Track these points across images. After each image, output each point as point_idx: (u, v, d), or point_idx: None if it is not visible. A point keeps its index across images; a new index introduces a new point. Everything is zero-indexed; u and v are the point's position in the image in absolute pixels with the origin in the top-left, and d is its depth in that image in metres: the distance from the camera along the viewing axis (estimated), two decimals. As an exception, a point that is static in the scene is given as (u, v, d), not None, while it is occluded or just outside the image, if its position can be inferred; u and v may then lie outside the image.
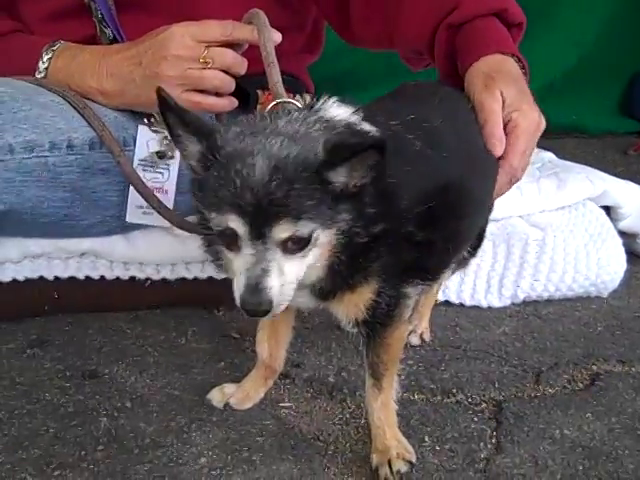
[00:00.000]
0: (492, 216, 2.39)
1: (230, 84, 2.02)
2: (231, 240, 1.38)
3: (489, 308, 2.38)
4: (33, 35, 2.21)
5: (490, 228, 2.38)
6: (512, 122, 1.81)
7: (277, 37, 1.89)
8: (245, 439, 1.72)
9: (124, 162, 2.03)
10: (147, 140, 2.12)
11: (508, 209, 2.44)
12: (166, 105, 1.43)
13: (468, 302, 2.38)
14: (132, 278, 2.22)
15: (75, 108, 2.02)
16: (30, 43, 2.15)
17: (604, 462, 1.67)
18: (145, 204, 2.07)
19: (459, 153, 1.65)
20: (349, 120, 1.47)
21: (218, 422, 1.77)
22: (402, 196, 1.50)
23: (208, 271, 2.25)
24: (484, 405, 1.88)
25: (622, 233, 2.60)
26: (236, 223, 1.35)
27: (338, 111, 1.50)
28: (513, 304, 2.40)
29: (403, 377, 1.96)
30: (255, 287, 1.36)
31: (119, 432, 1.71)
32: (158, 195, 2.07)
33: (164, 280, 2.24)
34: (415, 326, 2.15)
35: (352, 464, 1.66)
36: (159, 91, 1.43)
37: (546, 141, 4.24)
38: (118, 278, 2.21)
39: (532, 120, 1.84)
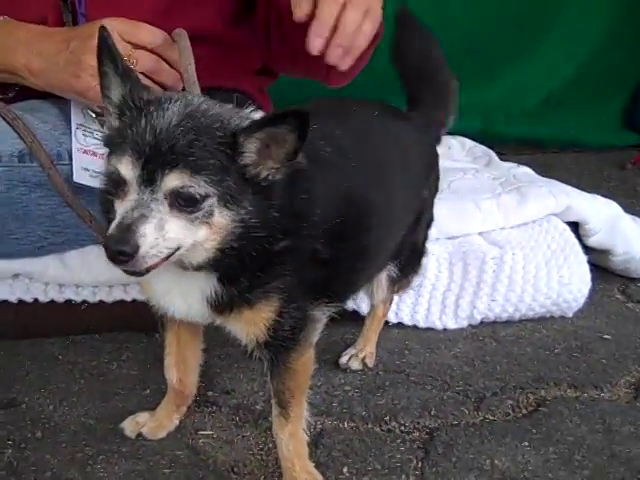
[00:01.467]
0: (448, 233, 2.33)
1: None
2: (119, 185, 1.30)
3: (444, 330, 2.28)
4: None
5: (446, 246, 2.30)
6: None
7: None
8: (152, 471, 1.63)
9: (54, 175, 1.96)
10: (83, 106, 2.06)
11: (465, 226, 2.35)
12: (104, 42, 1.39)
13: (422, 324, 2.28)
14: (68, 301, 2.15)
15: (4, 119, 1.97)
16: None
17: (531, 496, 1.56)
18: (91, 167, 2.01)
19: (366, 165, 1.56)
20: None
21: (127, 453, 1.68)
22: (312, 210, 1.42)
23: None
24: (416, 434, 1.78)
25: (591, 249, 2.49)
26: (127, 163, 1.28)
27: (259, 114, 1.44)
28: (470, 326, 2.29)
29: (335, 404, 1.86)
30: (126, 227, 1.26)
31: (21, 465, 1.64)
32: (102, 160, 2.01)
33: (101, 303, 2.16)
34: (359, 350, 2.05)
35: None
36: (101, 28, 1.40)
37: (542, 156, 4.21)
38: (53, 301, 2.14)
39: None
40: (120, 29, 1.89)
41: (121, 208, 1.29)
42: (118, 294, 2.17)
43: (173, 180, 1.27)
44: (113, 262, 1.28)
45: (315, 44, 1.72)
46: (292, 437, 1.55)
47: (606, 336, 2.23)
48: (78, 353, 2.09)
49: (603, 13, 4.35)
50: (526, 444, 1.72)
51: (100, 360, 2.06)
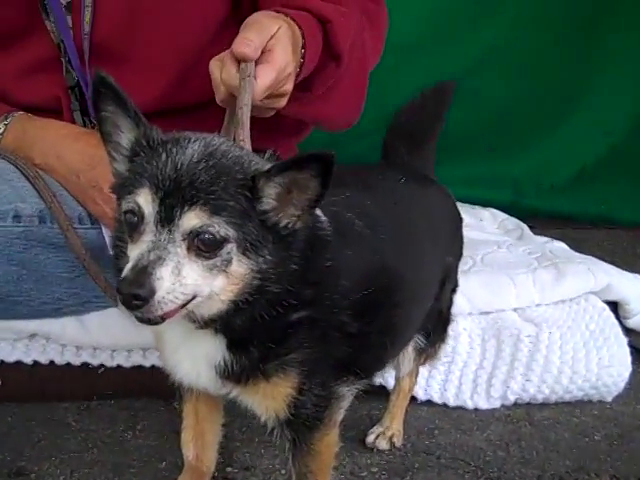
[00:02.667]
0: (481, 308, 2.24)
1: None
2: (135, 225, 1.21)
3: (475, 410, 2.17)
4: None
5: (479, 321, 2.21)
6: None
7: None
8: None
9: (72, 237, 1.90)
10: None
11: (499, 301, 2.26)
12: (105, 84, 1.27)
13: (452, 402, 2.17)
14: (84, 364, 2.07)
15: (26, 177, 1.92)
16: None
17: None
18: None
19: (396, 236, 1.49)
20: None
21: (140, 532, 1.58)
22: (337, 280, 1.34)
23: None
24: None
25: (631, 331, 2.39)
26: (146, 195, 1.20)
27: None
28: (503, 406, 2.18)
29: (362, 486, 1.75)
30: (142, 270, 1.16)
31: (26, 541, 1.53)
32: None
33: (119, 367, 2.08)
34: (386, 428, 1.95)
35: None
36: (98, 71, 1.29)
37: (573, 232, 4.12)
38: (69, 364, 2.06)
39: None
40: None
41: (136, 250, 1.20)
42: (137, 359, 2.09)
43: (193, 219, 1.19)
44: (127, 307, 1.17)
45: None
46: None
47: (647, 424, 2.11)
48: (92, 420, 2.00)
49: (638, 87, 4.30)
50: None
51: (115, 428, 1.97)
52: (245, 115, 1.45)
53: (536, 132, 4.19)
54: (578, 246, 3.37)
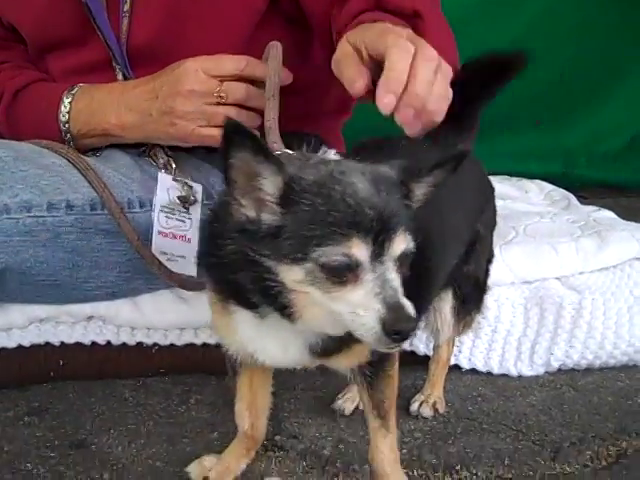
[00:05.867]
0: (524, 278, 2.27)
1: (249, 118, 1.99)
2: (345, 270, 1.22)
3: (519, 377, 2.20)
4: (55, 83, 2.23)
5: (522, 291, 2.25)
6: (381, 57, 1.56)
7: (285, 75, 1.88)
8: (215, 516, 1.60)
9: (124, 223, 2.00)
10: (168, 187, 2.11)
11: (542, 270, 2.28)
12: (239, 130, 1.21)
13: (496, 370, 2.21)
14: (139, 344, 2.16)
15: (77, 169, 2.02)
16: (51, 89, 2.17)
17: None
18: (170, 250, 2.07)
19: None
20: None
21: (190, 496, 1.66)
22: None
23: (216, 337, 2.17)
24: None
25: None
26: (360, 246, 1.21)
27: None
28: (547, 373, 2.21)
29: (405, 451, 1.81)
30: (397, 305, 1.21)
31: (88, 506, 1.63)
32: (181, 243, 2.09)
33: (172, 346, 2.17)
34: (427, 396, 2.00)
35: None
36: (228, 119, 1.23)
37: (626, 200, 4.10)
38: (125, 344, 2.16)
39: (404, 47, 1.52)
40: (203, 66, 1.93)
41: (368, 291, 1.22)
42: (188, 337, 2.18)
43: (399, 245, 1.24)
44: (401, 340, 1.23)
45: (386, 102, 1.47)
46: (392, 451, 1.57)
47: (692, 386, 2.12)
48: (148, 395, 2.09)
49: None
50: None
51: (169, 402, 2.06)
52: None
53: (585, 103, 4.18)
54: (630, 214, 3.37)
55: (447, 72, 1.55)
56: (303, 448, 1.85)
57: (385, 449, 1.57)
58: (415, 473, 1.75)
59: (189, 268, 2.13)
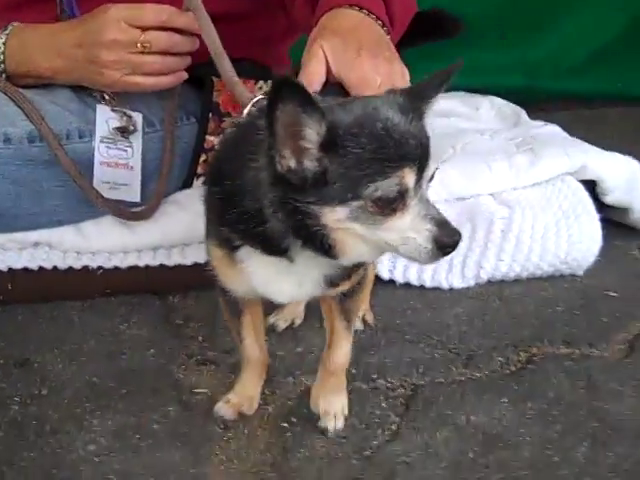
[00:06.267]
0: (458, 194, 2.35)
1: (176, 63, 2.08)
2: (397, 199, 1.30)
3: (450, 290, 2.30)
4: None
5: (455, 207, 2.32)
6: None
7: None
8: (143, 425, 1.72)
9: (62, 155, 2.08)
10: (106, 119, 2.20)
11: (475, 187, 2.37)
12: (289, 86, 1.24)
13: (428, 284, 2.30)
14: (85, 267, 2.26)
15: (14, 101, 2.08)
16: None
17: (499, 449, 1.60)
18: (112, 179, 2.17)
19: None
20: None
21: (123, 408, 1.78)
22: None
23: (159, 259, 2.28)
24: (400, 390, 1.82)
25: (610, 207, 2.48)
26: (409, 175, 1.29)
27: None
28: (478, 285, 2.30)
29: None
30: (444, 221, 1.33)
31: (24, 420, 1.75)
32: (124, 171, 2.20)
33: (116, 268, 2.27)
34: (356, 310, 2.10)
35: (246, 449, 1.65)
36: (276, 75, 1.28)
37: (588, 111, 4.14)
38: (71, 267, 2.25)
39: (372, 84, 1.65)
40: (124, 16, 1.98)
41: (418, 212, 1.32)
42: (132, 260, 2.27)
43: (432, 167, 1.36)
44: (449, 251, 1.34)
45: None
46: (345, 356, 1.69)
47: (612, 293, 2.23)
48: (93, 315, 2.20)
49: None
50: (505, 400, 1.76)
51: (112, 322, 2.16)
52: None
53: (550, 17, 4.17)
54: (590, 126, 3.47)
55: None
56: (233, 362, 1.96)
57: (342, 351, 1.68)
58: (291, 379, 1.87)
59: (132, 195, 2.23)
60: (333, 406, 1.69)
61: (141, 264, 2.28)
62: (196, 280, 2.14)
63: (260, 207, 1.37)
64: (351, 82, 1.64)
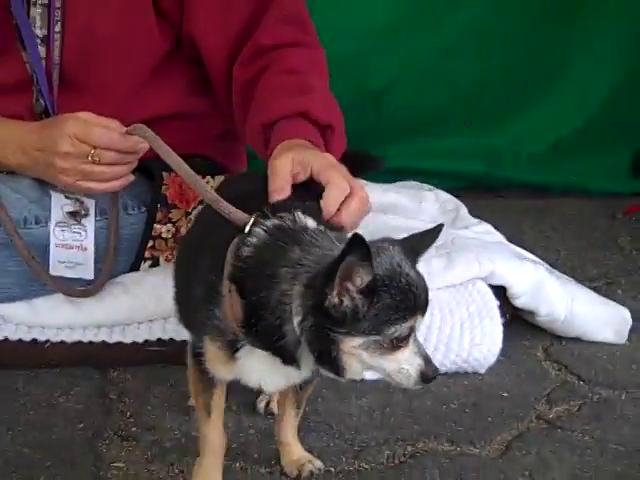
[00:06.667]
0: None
1: (124, 170, 2.33)
2: (404, 339, 1.62)
3: (362, 381, 2.51)
4: None
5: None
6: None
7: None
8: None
9: (17, 240, 2.36)
10: (61, 205, 2.48)
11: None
12: (361, 244, 1.52)
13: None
14: (34, 340, 2.51)
15: None
16: None
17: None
18: (66, 259, 2.46)
19: None
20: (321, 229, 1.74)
21: (43, 480, 2.01)
22: None
23: (101, 336, 2.54)
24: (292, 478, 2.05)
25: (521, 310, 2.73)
26: (417, 320, 1.63)
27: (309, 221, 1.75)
28: (387, 378, 2.53)
29: (235, 445, 2.15)
30: (428, 358, 1.66)
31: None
32: (78, 252, 2.48)
33: (62, 342, 2.52)
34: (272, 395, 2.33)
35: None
36: (354, 237, 1.52)
37: (543, 201, 4.40)
38: (21, 339, 2.51)
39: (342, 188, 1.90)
40: (75, 132, 2.23)
41: (414, 350, 1.65)
42: (77, 336, 2.53)
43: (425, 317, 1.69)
44: (430, 382, 1.68)
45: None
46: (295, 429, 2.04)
47: (505, 394, 2.46)
48: (36, 386, 2.43)
49: (614, 62, 4.50)
50: (380, 493, 1.99)
51: (52, 393, 2.39)
52: None
53: (513, 107, 4.46)
54: (541, 216, 3.90)
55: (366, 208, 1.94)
56: (153, 439, 2.20)
57: (294, 428, 2.03)
58: (237, 466, 2.09)
59: (86, 273, 2.49)
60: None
61: (85, 340, 2.53)
62: (134, 357, 2.41)
63: (281, 324, 1.63)
64: (326, 186, 1.88)
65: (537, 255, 3.47)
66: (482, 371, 2.58)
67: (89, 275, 2.54)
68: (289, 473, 2.02)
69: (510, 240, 3.45)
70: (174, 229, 2.68)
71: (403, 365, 1.63)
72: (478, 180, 4.52)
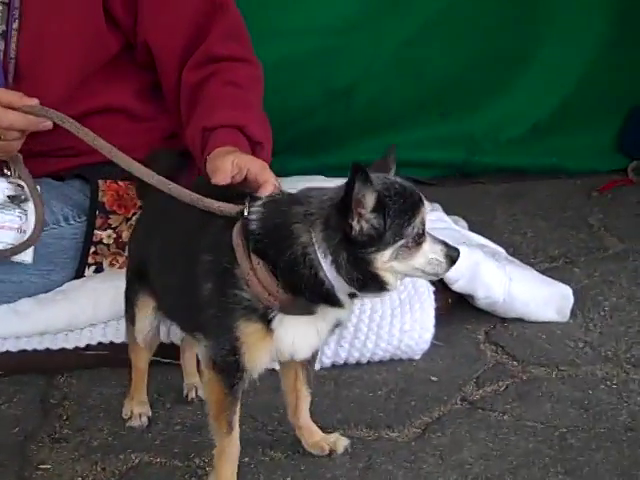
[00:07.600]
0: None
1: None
2: (422, 234, 1.78)
3: (294, 373, 2.58)
4: None
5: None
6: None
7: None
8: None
9: None
10: (3, 189, 2.57)
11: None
12: (363, 172, 1.68)
13: (277, 366, 2.59)
14: (-14, 350, 2.62)
15: None
16: None
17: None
18: (5, 240, 2.57)
19: None
20: None
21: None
22: None
23: (45, 343, 2.63)
24: (209, 469, 2.11)
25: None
26: (425, 212, 1.79)
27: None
28: (322, 369, 2.57)
29: (158, 441, 2.23)
30: (446, 242, 1.85)
31: None
32: (18, 235, 2.57)
33: (8, 351, 2.63)
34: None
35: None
36: (355, 165, 1.68)
37: (520, 184, 4.42)
38: (-26, 349, 2.62)
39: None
40: None
41: (435, 241, 1.83)
42: (22, 344, 2.64)
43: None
44: (455, 262, 1.85)
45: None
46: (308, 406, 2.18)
47: (434, 378, 2.49)
48: (-16, 394, 2.55)
49: (585, 39, 4.48)
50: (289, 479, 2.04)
51: (-2, 400, 2.51)
52: None
53: (488, 94, 4.48)
54: (518, 198, 4.04)
55: None
56: (81, 440, 2.28)
57: (308, 411, 2.15)
58: (159, 460, 2.17)
59: (26, 255, 2.61)
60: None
61: (29, 348, 2.63)
62: (78, 362, 2.51)
63: (316, 272, 1.76)
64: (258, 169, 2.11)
65: (503, 238, 3.56)
66: (417, 357, 2.62)
67: (28, 259, 2.63)
68: (318, 453, 2.12)
69: (480, 225, 3.52)
70: (115, 235, 2.76)
71: (430, 255, 1.78)
72: (458, 168, 4.54)
